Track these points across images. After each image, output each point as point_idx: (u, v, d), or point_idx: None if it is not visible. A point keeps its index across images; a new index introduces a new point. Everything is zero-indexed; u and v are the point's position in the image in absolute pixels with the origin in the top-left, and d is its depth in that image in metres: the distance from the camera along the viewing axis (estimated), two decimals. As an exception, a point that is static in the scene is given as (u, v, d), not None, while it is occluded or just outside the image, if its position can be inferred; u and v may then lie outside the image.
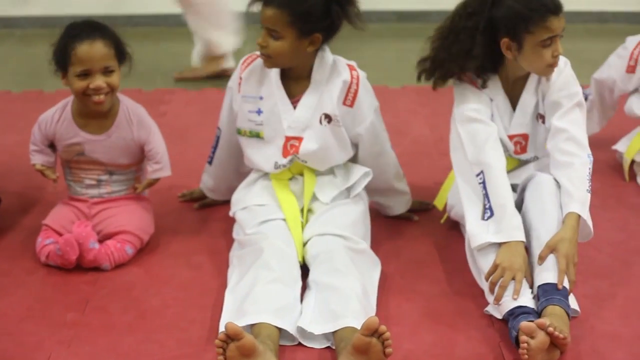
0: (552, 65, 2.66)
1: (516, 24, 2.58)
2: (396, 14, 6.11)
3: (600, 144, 3.69)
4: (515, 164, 2.87)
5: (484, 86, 2.73)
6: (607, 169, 3.55)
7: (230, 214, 2.90)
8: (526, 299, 2.40)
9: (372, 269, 2.69)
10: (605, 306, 2.58)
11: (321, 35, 2.72)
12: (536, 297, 2.43)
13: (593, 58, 4.06)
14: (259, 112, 2.85)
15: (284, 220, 2.74)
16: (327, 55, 2.82)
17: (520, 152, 2.83)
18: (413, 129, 4.03)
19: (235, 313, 2.43)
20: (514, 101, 2.77)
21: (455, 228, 3.00)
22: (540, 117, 2.78)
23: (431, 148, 3.75)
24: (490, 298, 2.49)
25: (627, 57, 3.41)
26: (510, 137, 2.80)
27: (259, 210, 2.79)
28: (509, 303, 2.41)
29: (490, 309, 2.51)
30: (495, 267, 2.47)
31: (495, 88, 2.75)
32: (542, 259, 2.47)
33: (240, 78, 2.87)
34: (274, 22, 2.66)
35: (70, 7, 5.93)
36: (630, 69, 3.41)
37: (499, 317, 2.46)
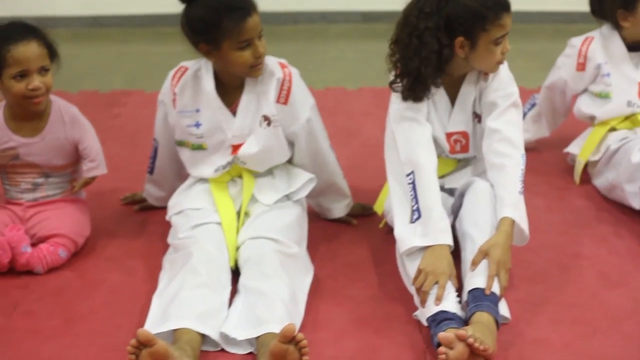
0: (500, 62, 2.65)
1: (473, 22, 2.55)
2: (362, 14, 6.10)
3: (551, 146, 3.69)
4: (453, 165, 2.85)
5: (437, 86, 2.69)
6: (556, 171, 3.53)
7: (167, 218, 2.87)
8: (449, 304, 2.37)
9: (303, 274, 2.66)
10: (537, 311, 2.55)
11: None
12: (466, 302, 2.41)
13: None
14: (197, 125, 2.81)
15: (219, 224, 2.71)
16: None
17: (461, 150, 2.80)
18: (365, 131, 3.99)
19: (159, 318, 2.40)
20: (452, 98, 2.75)
21: (392, 232, 2.96)
22: (476, 117, 2.76)
23: (380, 150, 3.69)
24: (418, 303, 2.47)
25: (576, 55, 3.39)
26: (449, 135, 2.77)
27: (194, 214, 2.76)
28: (431, 308, 2.38)
29: (419, 314, 2.48)
30: (419, 271, 2.45)
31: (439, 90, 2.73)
32: (475, 264, 2.45)
33: (174, 93, 2.83)
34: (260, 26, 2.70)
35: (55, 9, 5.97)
36: (581, 67, 3.38)
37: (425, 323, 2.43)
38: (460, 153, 2.81)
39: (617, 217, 3.15)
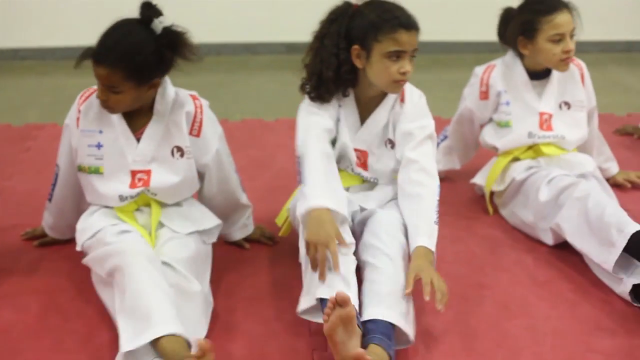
0: (398, 82, 2.70)
1: (367, 31, 2.66)
2: (286, 45, 6.11)
3: (461, 176, 3.68)
4: (359, 181, 2.89)
5: (345, 95, 2.80)
6: (465, 200, 3.54)
7: (78, 248, 2.77)
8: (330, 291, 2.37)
9: (200, 314, 2.57)
10: (434, 343, 2.52)
11: (160, 78, 2.68)
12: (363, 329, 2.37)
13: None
14: (98, 146, 2.77)
15: (138, 234, 2.67)
16: (169, 87, 2.77)
17: (361, 167, 2.85)
18: (277, 162, 3.96)
19: (133, 332, 2.30)
20: (363, 117, 2.82)
21: (295, 264, 2.94)
22: (389, 142, 2.81)
23: (292, 182, 3.68)
24: (304, 299, 2.49)
25: (478, 83, 3.39)
26: (355, 150, 2.84)
27: (111, 228, 2.69)
28: (323, 290, 2.41)
29: (307, 316, 2.48)
30: (307, 244, 2.46)
31: (349, 100, 2.81)
32: (409, 285, 2.44)
33: (79, 111, 2.79)
34: (109, 80, 2.59)
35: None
36: (484, 95, 3.39)
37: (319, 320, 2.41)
38: (361, 169, 2.85)
39: (522, 247, 3.16)
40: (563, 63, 3.23)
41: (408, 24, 2.65)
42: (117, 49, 2.54)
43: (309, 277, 2.52)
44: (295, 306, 2.59)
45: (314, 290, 2.46)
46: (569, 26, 3.17)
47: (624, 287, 2.74)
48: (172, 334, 2.25)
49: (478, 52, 6.11)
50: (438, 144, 3.65)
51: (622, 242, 2.71)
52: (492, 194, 3.41)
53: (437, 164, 3.57)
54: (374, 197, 2.85)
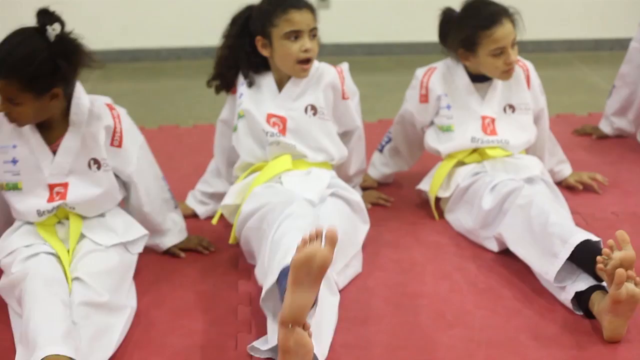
0: (302, 63, 2.92)
1: (263, 20, 2.92)
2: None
3: (410, 181, 3.60)
4: (287, 164, 3.02)
5: (250, 85, 3.04)
6: (412, 206, 3.45)
7: None
8: None
9: (114, 326, 2.49)
10: (361, 356, 2.43)
11: (60, 87, 2.59)
12: None
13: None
14: (14, 161, 2.69)
15: (51, 254, 2.58)
16: (83, 97, 2.70)
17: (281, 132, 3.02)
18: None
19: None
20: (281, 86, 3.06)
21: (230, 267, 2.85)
22: (312, 109, 3.03)
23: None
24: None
25: (418, 86, 3.30)
26: (269, 116, 3.02)
27: (24, 250, 2.61)
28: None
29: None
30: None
31: (267, 77, 3.06)
32: None
33: None
34: (6, 92, 2.53)
35: None
36: (423, 99, 3.29)
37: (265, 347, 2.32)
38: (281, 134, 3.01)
39: (466, 253, 3.06)
40: (506, 74, 3.16)
41: (298, 3, 2.89)
42: (8, 61, 2.49)
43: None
44: (221, 320, 2.52)
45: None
46: (510, 37, 3.09)
47: (566, 295, 2.65)
48: (55, 354, 2.18)
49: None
50: (383, 146, 3.58)
51: (565, 253, 2.63)
52: (439, 199, 3.32)
53: (385, 167, 3.56)
54: (311, 187, 2.89)
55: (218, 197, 3.22)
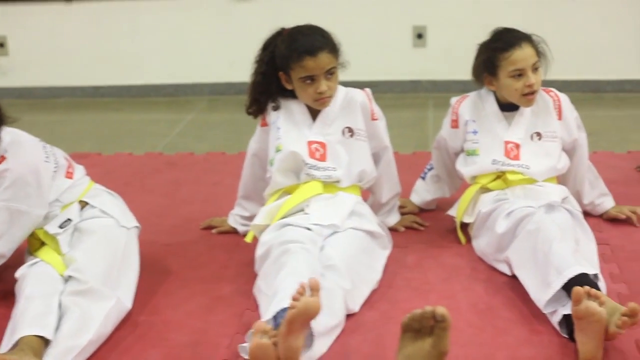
0: (317, 100, 3.11)
1: (282, 61, 3.10)
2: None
3: (444, 206, 3.68)
4: (319, 189, 3.14)
5: (275, 109, 3.22)
6: (443, 230, 3.55)
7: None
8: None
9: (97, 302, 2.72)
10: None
11: None
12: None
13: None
14: None
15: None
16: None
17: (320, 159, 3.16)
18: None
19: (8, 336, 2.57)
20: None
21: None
22: (349, 131, 3.21)
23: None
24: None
25: (451, 112, 3.45)
26: (310, 143, 3.16)
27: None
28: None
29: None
30: None
31: (298, 105, 3.20)
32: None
33: None
34: None
35: None
36: (454, 124, 3.44)
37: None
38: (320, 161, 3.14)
39: (479, 275, 3.14)
40: (525, 98, 3.25)
41: (312, 50, 3.00)
42: None
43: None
44: (228, 321, 2.76)
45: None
46: (529, 60, 3.19)
47: (556, 317, 2.71)
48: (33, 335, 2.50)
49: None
50: (425, 174, 3.73)
51: (558, 284, 2.70)
52: (466, 224, 3.42)
53: (427, 193, 3.68)
54: (335, 213, 3.05)
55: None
